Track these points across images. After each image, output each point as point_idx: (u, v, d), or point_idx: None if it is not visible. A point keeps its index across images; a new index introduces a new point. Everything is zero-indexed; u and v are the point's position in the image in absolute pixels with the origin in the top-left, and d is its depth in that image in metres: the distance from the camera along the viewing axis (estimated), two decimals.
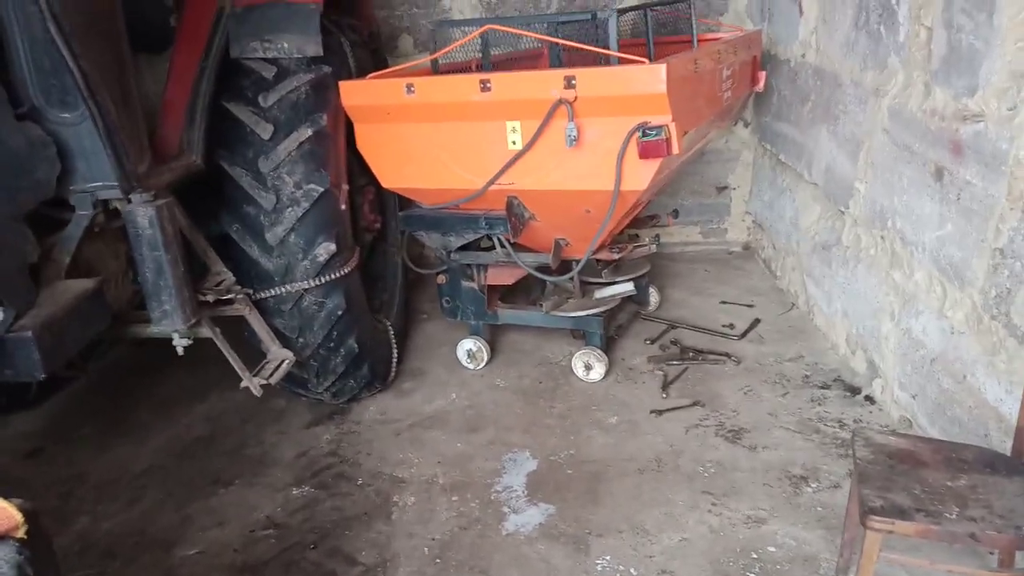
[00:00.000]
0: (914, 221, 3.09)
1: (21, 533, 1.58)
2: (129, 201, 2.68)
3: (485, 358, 4.09)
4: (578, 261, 3.54)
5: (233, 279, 3.19)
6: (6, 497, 1.60)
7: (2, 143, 2.39)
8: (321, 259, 3.28)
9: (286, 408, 3.82)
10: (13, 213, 2.43)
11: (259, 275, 3.26)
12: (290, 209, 3.21)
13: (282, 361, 3.29)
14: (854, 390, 3.58)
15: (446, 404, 3.79)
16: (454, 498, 3.08)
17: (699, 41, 3.94)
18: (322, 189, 3.24)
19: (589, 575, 2.63)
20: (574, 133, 2.97)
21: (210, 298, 3.07)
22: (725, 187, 5.51)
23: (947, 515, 1.90)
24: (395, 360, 3.98)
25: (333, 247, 3.30)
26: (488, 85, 3.06)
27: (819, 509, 2.85)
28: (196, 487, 3.27)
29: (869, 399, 3.49)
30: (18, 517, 1.58)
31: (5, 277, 2.34)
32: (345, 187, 3.49)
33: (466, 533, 2.88)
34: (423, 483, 3.19)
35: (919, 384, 3.09)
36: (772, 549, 2.67)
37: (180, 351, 2.99)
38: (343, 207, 3.43)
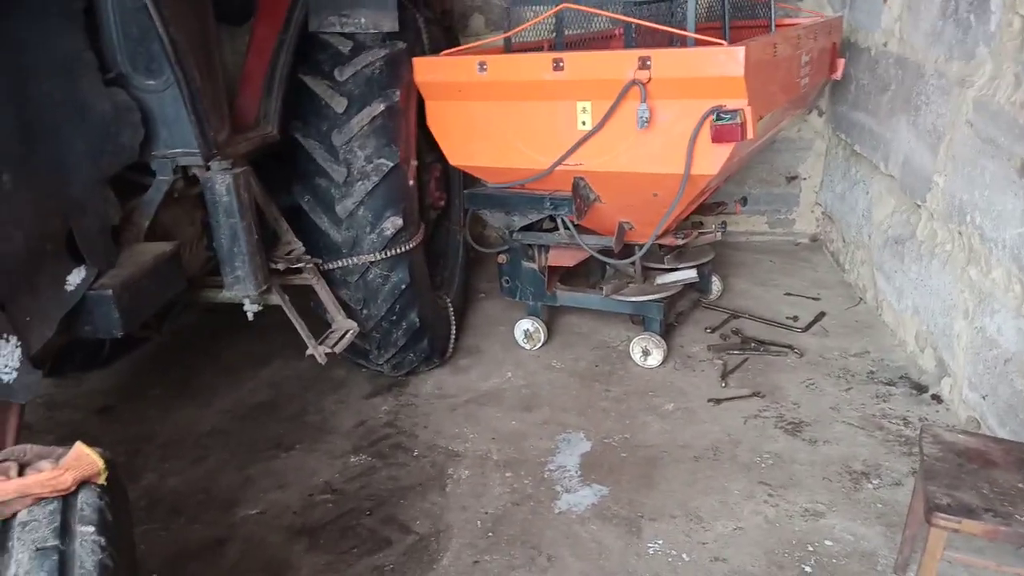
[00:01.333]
0: (995, 217, 2.99)
1: (102, 479, 1.66)
2: (208, 168, 2.76)
3: (542, 339, 4.10)
4: (641, 245, 3.51)
5: (303, 249, 3.27)
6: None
7: (90, 108, 2.48)
8: (388, 233, 3.33)
9: (346, 378, 3.90)
10: (98, 176, 2.53)
11: (328, 246, 3.33)
12: (360, 183, 3.26)
13: (346, 331, 3.36)
14: (921, 388, 3.49)
15: (502, 382, 3.82)
16: (507, 474, 3.11)
17: (777, 26, 3.85)
18: (392, 164, 3.29)
19: (641, 557, 2.64)
20: (646, 115, 2.95)
21: (280, 266, 3.15)
22: (795, 176, 5.40)
23: (1017, 516, 1.85)
24: (453, 336, 4.03)
25: (400, 221, 3.34)
26: (561, 64, 3.05)
27: (879, 506, 2.79)
28: (258, 450, 3.37)
29: (936, 398, 3.40)
30: (100, 464, 1.66)
31: (88, 238, 2.43)
32: (414, 163, 3.53)
33: (518, 509, 2.91)
34: (477, 458, 3.23)
35: (991, 384, 2.99)
36: (829, 543, 2.63)
37: (250, 316, 3.07)
38: (411, 183, 3.47)
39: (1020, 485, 1.96)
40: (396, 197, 3.34)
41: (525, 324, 4.10)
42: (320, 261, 3.32)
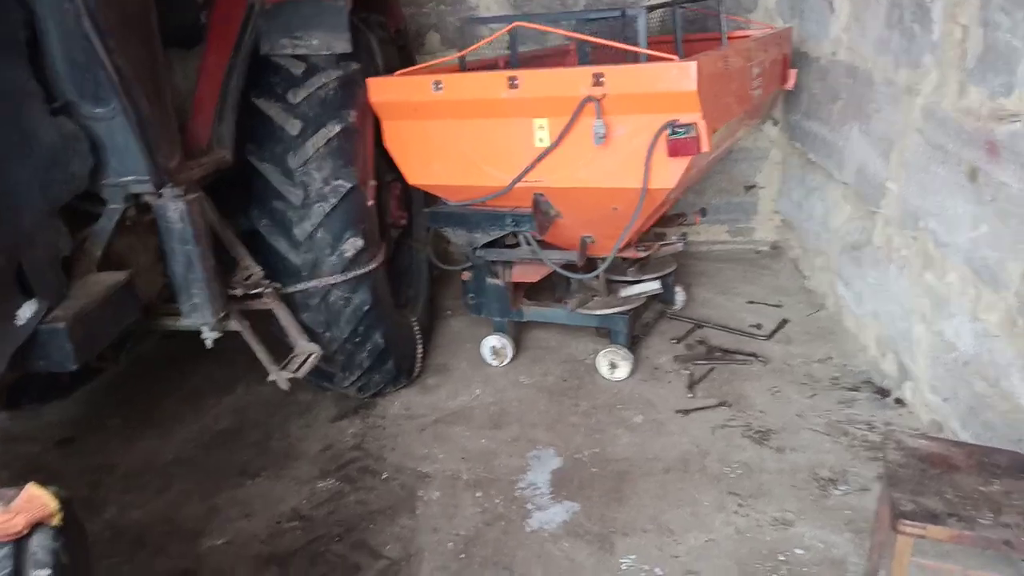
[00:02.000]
0: (948, 222, 3.04)
1: (56, 520, 1.60)
2: (160, 195, 2.71)
3: (509, 355, 4.08)
4: (604, 259, 3.52)
5: (262, 273, 3.22)
6: (41, 485, 1.63)
7: (37, 138, 2.42)
8: (348, 254, 3.29)
9: (312, 402, 3.85)
10: (47, 207, 2.47)
11: (287, 270, 3.28)
12: (318, 205, 3.22)
13: (309, 355, 3.31)
14: (884, 392, 3.54)
15: (470, 400, 3.80)
16: (478, 494, 3.08)
17: (728, 39, 3.90)
18: (350, 185, 3.26)
19: (613, 573, 2.62)
20: (602, 131, 2.96)
21: (239, 292, 3.10)
22: (753, 186, 5.47)
23: (981, 521, 1.87)
24: (420, 356, 3.99)
25: (360, 242, 3.31)
26: (516, 82, 3.05)
27: (848, 512, 2.81)
28: (223, 478, 3.30)
29: (899, 402, 3.45)
30: (53, 505, 1.60)
31: (39, 269, 2.37)
32: (372, 183, 3.50)
33: (490, 529, 2.88)
34: (447, 478, 3.20)
35: (951, 387, 3.04)
36: (799, 551, 2.65)
37: (209, 344, 3.02)
38: (370, 203, 3.45)
39: (982, 489, 1.98)
40: (355, 218, 3.31)
41: (492, 340, 4.09)
42: (280, 285, 3.27)
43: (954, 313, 3.01)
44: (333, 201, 3.23)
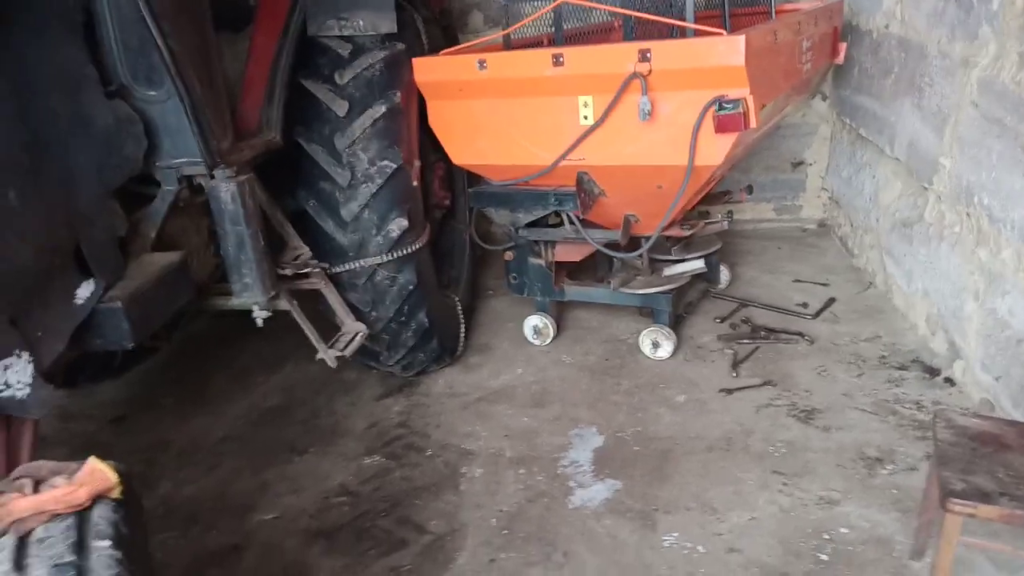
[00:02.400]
0: (1003, 198, 2.96)
1: (116, 493, 1.67)
2: (212, 177, 2.77)
3: (551, 334, 4.10)
4: (648, 238, 3.50)
5: (310, 254, 3.28)
6: (101, 459, 1.70)
7: (92, 121, 2.49)
8: (394, 234, 3.33)
9: (357, 380, 3.92)
10: (103, 189, 2.54)
11: (334, 250, 3.34)
12: (364, 185, 3.26)
13: (356, 334, 3.37)
14: (933, 371, 3.47)
15: (512, 379, 3.83)
16: (521, 471, 3.12)
17: (777, 12, 3.83)
18: (395, 165, 3.29)
19: (656, 551, 2.64)
20: (648, 107, 2.94)
21: (288, 272, 3.16)
22: (801, 162, 5.38)
23: None
24: (463, 335, 4.03)
25: (405, 223, 3.35)
26: (561, 59, 3.04)
27: (894, 491, 2.78)
28: (272, 455, 3.39)
29: (949, 381, 3.39)
30: (114, 478, 1.67)
31: (96, 250, 2.45)
32: (417, 163, 3.53)
33: (533, 506, 2.92)
34: (490, 456, 3.24)
35: (1003, 366, 2.97)
36: (844, 530, 2.63)
37: (259, 323, 3.08)
38: (415, 183, 3.48)
39: None
40: (400, 198, 3.35)
41: (534, 320, 4.10)
42: (327, 265, 3.33)
43: (1008, 290, 2.94)
44: (379, 182, 3.27)
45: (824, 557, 2.53)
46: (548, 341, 4.10)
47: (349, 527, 2.91)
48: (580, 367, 3.87)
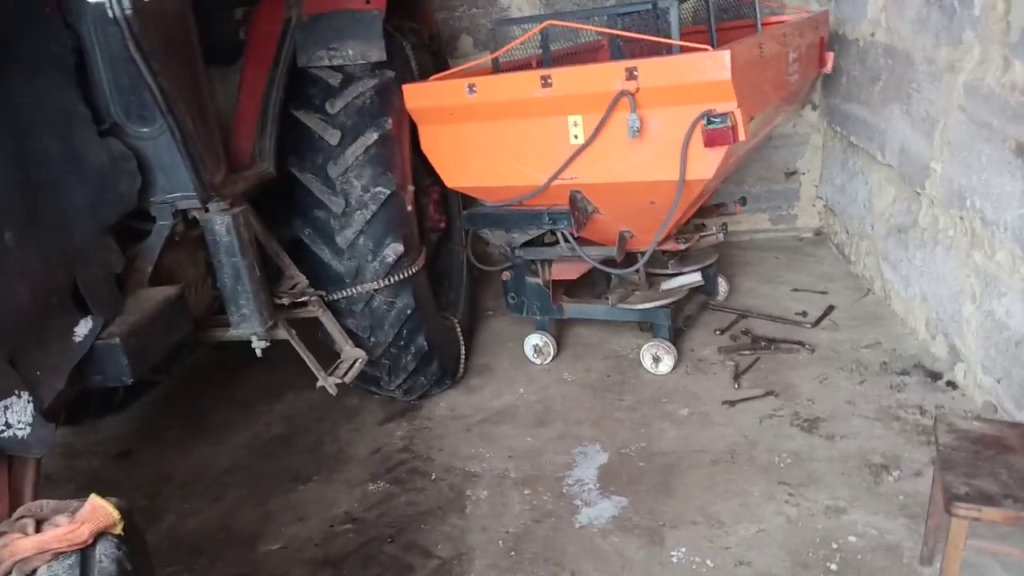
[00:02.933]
0: (994, 200, 2.98)
1: (119, 529, 1.67)
2: (207, 210, 2.79)
3: (552, 353, 4.10)
4: (643, 253, 3.52)
5: (306, 282, 3.28)
6: (102, 496, 1.70)
7: (87, 159, 2.51)
8: (390, 260, 3.34)
9: (359, 406, 3.91)
10: (99, 226, 2.56)
11: (331, 277, 3.35)
12: (359, 212, 3.28)
13: (355, 360, 3.38)
14: (935, 376, 3.47)
15: (514, 399, 3.82)
16: (526, 492, 3.11)
17: (763, 24, 3.86)
18: (389, 192, 3.31)
19: (664, 567, 2.63)
20: (637, 124, 2.96)
21: (285, 301, 3.17)
22: (794, 172, 5.40)
23: None
24: (463, 357, 4.03)
25: (401, 248, 3.36)
26: (549, 81, 3.07)
27: (901, 498, 2.77)
28: (276, 484, 3.38)
29: (951, 384, 3.38)
30: (116, 515, 1.67)
31: (93, 287, 2.46)
32: (411, 188, 3.55)
33: (539, 526, 2.90)
34: (495, 477, 3.23)
35: (1004, 367, 2.97)
36: (853, 539, 2.62)
37: (259, 353, 3.09)
38: (409, 208, 3.49)
39: None
40: (395, 224, 3.36)
41: (534, 339, 4.11)
42: (324, 293, 3.34)
43: (1004, 292, 2.95)
44: (373, 208, 3.29)
45: (833, 567, 2.52)
46: (549, 359, 4.11)
47: (356, 554, 2.90)
48: (582, 384, 3.86)
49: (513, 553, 2.78)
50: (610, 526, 2.85)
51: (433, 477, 3.29)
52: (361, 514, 3.11)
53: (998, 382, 3.02)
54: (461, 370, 4.02)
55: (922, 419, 3.19)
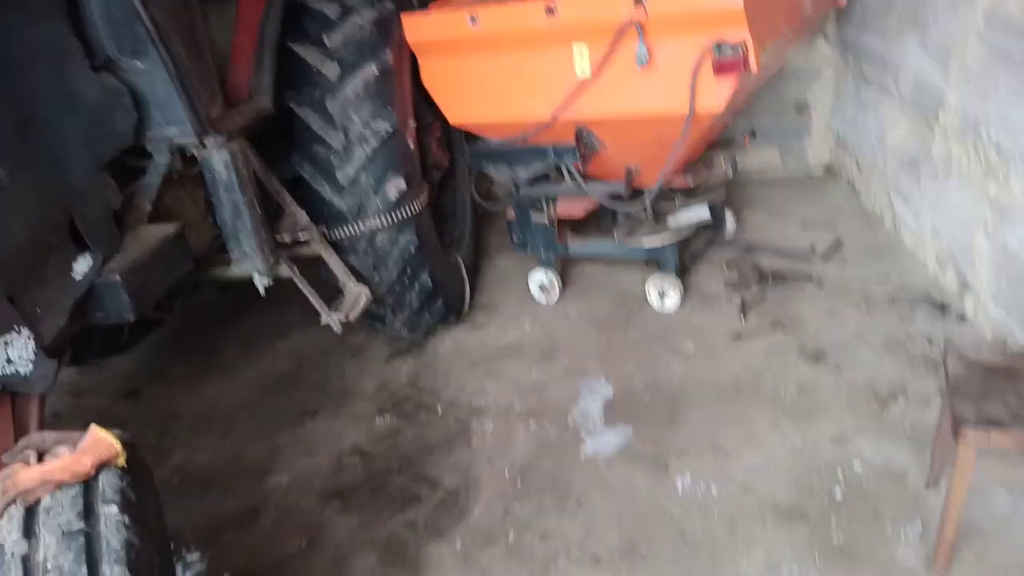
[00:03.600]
0: (1011, 129, 2.90)
1: (121, 460, 1.68)
2: (204, 146, 2.75)
3: (557, 291, 4.07)
4: (651, 189, 3.46)
5: (308, 219, 3.25)
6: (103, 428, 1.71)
7: (81, 95, 2.46)
8: (392, 197, 3.30)
9: (365, 343, 3.92)
10: (95, 163, 2.52)
11: (332, 214, 3.31)
12: (359, 148, 3.23)
13: (359, 297, 3.36)
14: (944, 308, 3.44)
15: (520, 335, 3.82)
16: (532, 425, 3.12)
17: None
18: (390, 127, 3.25)
19: (669, 494, 2.65)
20: (645, 54, 2.88)
21: (287, 239, 3.15)
22: (805, 106, 5.28)
23: None
24: (468, 294, 4.02)
25: (403, 185, 3.32)
26: (553, 9, 2.98)
27: (908, 426, 2.77)
28: (284, 419, 3.41)
29: (961, 316, 3.35)
30: (117, 446, 1.68)
31: (91, 224, 2.43)
32: (413, 124, 3.48)
33: (545, 457, 2.93)
34: (501, 411, 3.24)
35: (1015, 299, 2.94)
36: (858, 466, 2.63)
37: (261, 291, 3.08)
38: (411, 145, 3.43)
39: None
40: (397, 160, 3.31)
41: (539, 277, 4.07)
42: (326, 230, 3.31)
43: (1018, 223, 2.89)
44: (374, 144, 3.23)
45: (838, 492, 2.53)
46: (554, 297, 4.08)
47: (363, 486, 2.93)
48: (588, 321, 3.85)
49: (519, 483, 2.81)
50: (615, 456, 2.87)
51: (439, 412, 3.31)
52: (368, 447, 3.15)
53: (1008, 313, 2.99)
54: (466, 307, 4.01)
55: (930, 350, 3.17)
